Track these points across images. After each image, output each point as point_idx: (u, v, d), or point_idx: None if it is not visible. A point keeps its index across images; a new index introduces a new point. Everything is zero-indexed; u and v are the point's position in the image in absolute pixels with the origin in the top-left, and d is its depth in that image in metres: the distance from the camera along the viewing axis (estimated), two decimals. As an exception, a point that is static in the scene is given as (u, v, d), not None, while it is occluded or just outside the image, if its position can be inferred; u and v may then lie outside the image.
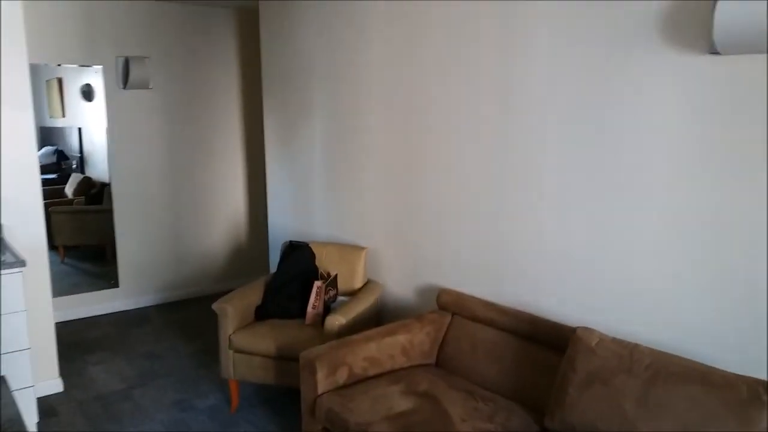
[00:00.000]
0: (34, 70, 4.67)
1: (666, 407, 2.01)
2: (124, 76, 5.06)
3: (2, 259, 2.99)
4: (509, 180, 2.92)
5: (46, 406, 3.55)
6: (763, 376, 2.01)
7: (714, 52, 2.08)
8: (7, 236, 3.44)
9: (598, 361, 2.22)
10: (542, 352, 2.61)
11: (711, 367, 2.06)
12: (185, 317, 5.14)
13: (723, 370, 2.03)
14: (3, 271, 2.89)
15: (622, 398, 2.11)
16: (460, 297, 3.08)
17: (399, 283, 3.66)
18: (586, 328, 2.36)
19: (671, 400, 2.01)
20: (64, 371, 3.96)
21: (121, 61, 5.04)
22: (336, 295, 3.64)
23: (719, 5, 1.94)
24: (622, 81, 2.41)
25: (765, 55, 2.00)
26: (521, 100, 2.81)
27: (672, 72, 2.25)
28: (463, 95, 3.09)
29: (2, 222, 3.43)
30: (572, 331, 2.40)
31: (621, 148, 2.44)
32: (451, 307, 3.10)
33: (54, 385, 3.74)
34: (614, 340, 2.27)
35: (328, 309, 3.52)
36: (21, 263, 2.95)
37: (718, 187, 2.17)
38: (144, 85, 5.14)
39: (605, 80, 2.47)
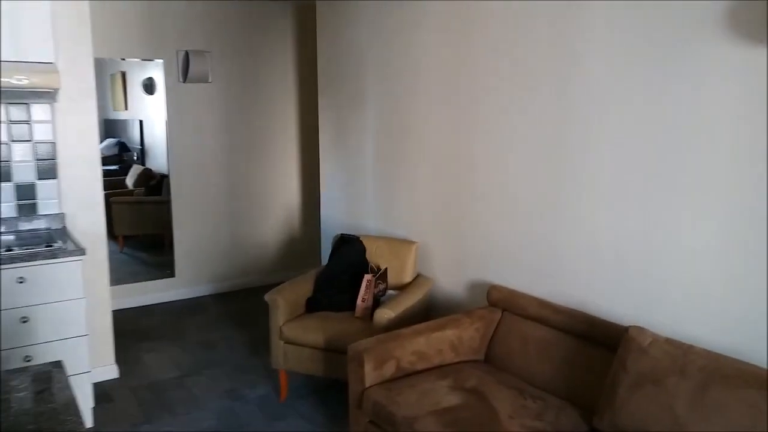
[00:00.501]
0: (99, 64, 4.83)
1: (720, 410, 1.93)
2: (184, 70, 5.18)
3: (64, 246, 3.10)
4: (563, 176, 2.85)
5: (101, 391, 3.67)
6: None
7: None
8: (69, 225, 3.57)
9: (649, 362, 2.15)
10: (594, 352, 2.55)
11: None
12: (238, 307, 5.24)
13: (784, 375, 1.93)
14: (64, 259, 3.00)
15: (673, 400, 2.03)
16: (511, 294, 3.03)
17: (449, 278, 3.62)
18: (638, 328, 2.28)
19: (726, 403, 1.93)
20: (120, 358, 4.08)
21: (181, 55, 5.16)
22: (386, 288, 3.63)
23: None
24: (682, 75, 2.32)
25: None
26: (577, 96, 2.74)
27: (734, 66, 2.15)
28: (518, 91, 3.03)
29: (64, 211, 3.56)
30: (624, 330, 2.33)
31: (680, 145, 2.35)
32: (501, 304, 3.05)
33: (110, 371, 3.87)
34: (668, 341, 2.19)
35: (377, 302, 3.51)
36: (81, 251, 3.05)
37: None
38: (203, 79, 5.25)
39: (665, 74, 2.37)
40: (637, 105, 2.49)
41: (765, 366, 2.06)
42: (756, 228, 2.14)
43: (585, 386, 2.51)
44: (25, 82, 2.99)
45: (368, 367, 2.66)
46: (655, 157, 2.45)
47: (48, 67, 3.08)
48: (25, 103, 3.39)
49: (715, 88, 2.22)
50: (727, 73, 2.18)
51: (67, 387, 1.61)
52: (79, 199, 3.60)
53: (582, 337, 2.63)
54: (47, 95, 3.27)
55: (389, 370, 2.72)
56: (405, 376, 2.75)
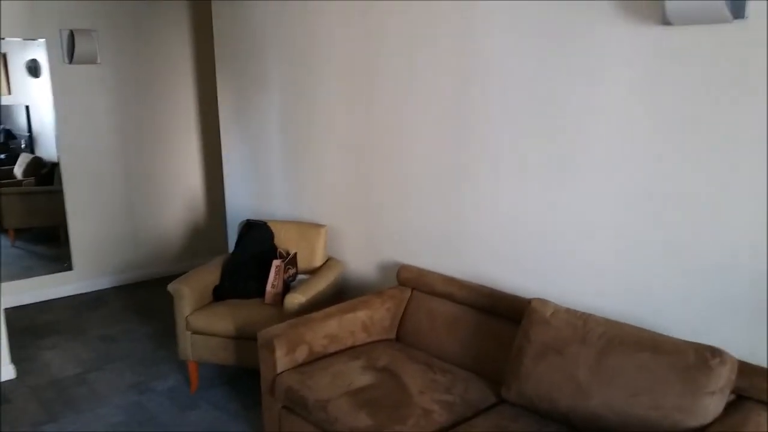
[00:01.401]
0: (-26, 46, 4.47)
1: (618, 374, 2.05)
2: (70, 51, 4.87)
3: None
4: (466, 154, 2.91)
5: (-3, 393, 3.46)
6: (711, 342, 2.05)
7: (667, 22, 2.09)
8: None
9: (552, 332, 2.25)
10: (500, 325, 2.64)
11: (662, 335, 2.11)
12: (142, 299, 5.05)
13: (673, 338, 2.08)
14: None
15: (575, 367, 2.14)
16: (420, 272, 3.08)
17: (360, 260, 3.64)
18: (540, 300, 2.38)
19: (623, 367, 2.05)
20: (17, 357, 3.85)
21: (65, 34, 4.84)
22: (296, 273, 3.60)
23: (670, -25, 1.94)
24: (576, 52, 2.41)
25: (715, 26, 2.01)
26: (478, 73, 2.80)
27: (626, 43, 2.26)
28: (420, 69, 3.06)
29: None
30: (527, 302, 2.42)
31: (576, 120, 2.45)
32: (411, 283, 3.10)
33: (5, 371, 3.64)
34: (568, 311, 2.29)
35: (287, 288, 3.48)
36: (-37, 247, 2.83)
37: (670, 159, 2.19)
38: (91, 60, 4.96)
39: (560, 52, 2.47)
40: (536, 84, 2.57)
41: (657, 330, 2.21)
42: (645, 198, 2.28)
43: (491, 358, 2.60)
44: None
45: (279, 353, 2.64)
46: (553, 135, 2.54)
47: None
48: None
49: (610, 68, 2.32)
50: (621, 53, 2.28)
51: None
52: (-41, 192, 3.34)
53: (487, 311, 2.72)
54: None
55: (301, 354, 2.71)
56: (317, 359, 2.75)
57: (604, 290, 2.45)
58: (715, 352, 1.93)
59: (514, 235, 2.76)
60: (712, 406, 1.91)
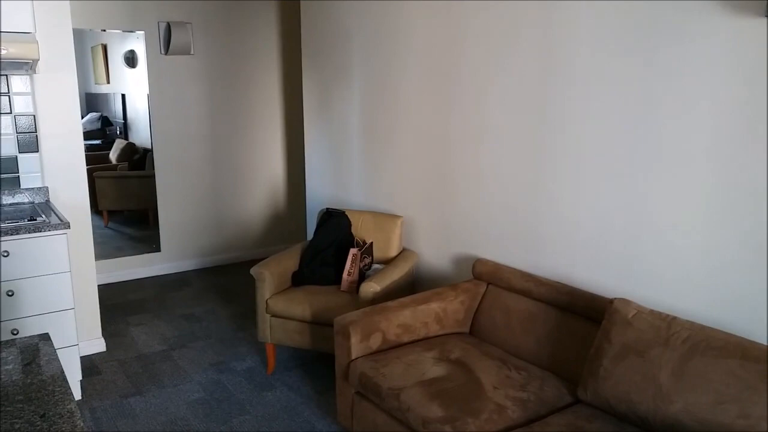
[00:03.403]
0: (79, 36, 4.74)
1: (702, 380, 1.97)
2: (166, 42, 5.10)
3: (49, 220, 3.08)
4: (546, 151, 2.85)
5: (89, 364, 3.68)
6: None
7: (770, 14, 1.98)
8: (52, 199, 3.53)
9: (634, 333, 2.18)
10: (578, 323, 2.58)
11: (751, 341, 2.01)
12: (224, 281, 5.24)
13: (763, 344, 1.98)
14: (48, 233, 2.98)
15: (657, 370, 2.07)
16: (496, 267, 3.06)
17: (434, 252, 3.64)
18: (623, 300, 2.31)
19: (708, 373, 1.97)
20: (107, 332, 4.09)
21: (162, 26, 5.08)
22: (371, 262, 3.65)
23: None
24: (671, 45, 2.32)
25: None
26: (562, 66, 2.73)
27: (725, 35, 2.15)
28: (502, 63, 3.02)
29: (47, 185, 3.52)
30: (609, 302, 2.36)
31: (666, 116, 2.36)
32: (486, 277, 3.08)
33: (97, 344, 3.87)
34: (652, 312, 2.22)
35: (363, 276, 3.53)
36: (65, 225, 3.03)
37: (765, 158, 2.07)
38: (185, 51, 5.18)
39: (653, 44, 2.37)
40: (619, 81, 2.49)
41: (745, 336, 2.10)
42: (738, 198, 2.17)
43: (567, 357, 2.55)
44: (3, 52, 2.93)
45: (354, 340, 2.69)
46: (636, 132, 2.46)
47: (26, 37, 3.01)
48: (4, 74, 3.33)
49: (707, 63, 2.22)
50: (716, 46, 2.18)
51: (54, 359, 1.61)
52: (62, 173, 3.56)
53: (565, 309, 2.67)
54: (26, 66, 3.20)
55: (375, 342, 2.75)
56: (391, 348, 2.78)
57: (690, 292, 2.35)
58: (810, 363, 1.83)
59: (596, 232, 2.69)
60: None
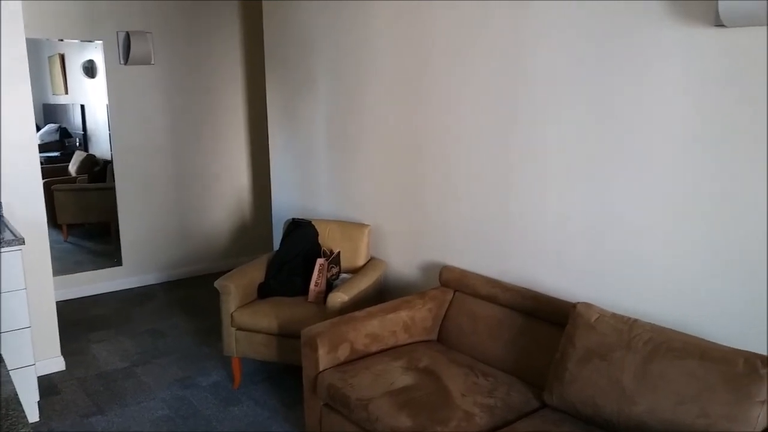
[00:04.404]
0: (36, 46, 4.63)
1: (664, 381, 2.00)
2: (125, 52, 5.02)
3: (1, 237, 2.98)
4: (512, 156, 2.89)
5: (47, 384, 3.58)
6: (761, 351, 1.99)
7: (719, 24, 2.04)
8: (7, 214, 3.43)
9: (597, 337, 2.21)
10: (543, 328, 2.61)
11: (710, 342, 2.06)
12: (188, 295, 5.16)
13: (722, 345, 2.03)
14: (2, 249, 2.89)
15: (620, 373, 2.10)
16: (462, 274, 3.07)
17: (402, 260, 3.64)
18: (585, 304, 2.34)
19: (669, 374, 2.00)
20: (67, 350, 3.98)
21: (122, 35, 4.99)
22: (339, 272, 3.63)
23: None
24: (628, 54, 2.37)
25: (771, 26, 1.95)
26: (526, 75, 2.77)
27: (678, 45, 2.21)
28: (467, 70, 3.05)
29: (1, 200, 3.42)
30: (572, 306, 2.39)
31: (625, 123, 2.41)
32: (453, 284, 3.09)
33: (56, 363, 3.76)
34: (614, 316, 2.25)
35: (330, 286, 3.51)
36: (20, 241, 2.94)
37: (723, 163, 2.14)
38: (146, 61, 5.09)
39: (611, 53, 2.42)
40: (584, 85, 2.54)
41: (704, 337, 2.15)
42: (696, 202, 2.22)
43: (534, 362, 2.57)
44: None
45: (322, 351, 2.66)
46: (598, 137, 2.50)
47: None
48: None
49: (657, 69, 2.28)
50: (669, 54, 2.24)
51: (8, 381, 1.55)
52: (17, 187, 3.46)
53: (530, 314, 2.69)
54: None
55: (343, 353, 2.73)
56: (359, 358, 2.76)
57: (651, 295, 2.39)
58: (765, 361, 1.88)
59: (559, 238, 2.72)
60: (762, 415, 1.85)
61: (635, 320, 2.20)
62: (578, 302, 2.37)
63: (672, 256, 2.31)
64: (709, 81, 2.13)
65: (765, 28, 1.96)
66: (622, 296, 2.49)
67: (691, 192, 2.23)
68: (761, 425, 1.86)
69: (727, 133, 2.11)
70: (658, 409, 1.99)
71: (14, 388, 1.52)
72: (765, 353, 1.93)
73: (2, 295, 2.92)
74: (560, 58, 2.61)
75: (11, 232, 3.07)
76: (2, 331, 2.95)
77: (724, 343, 2.08)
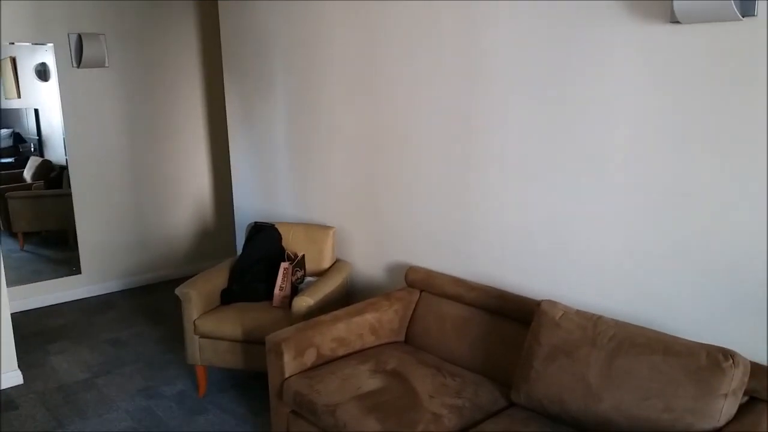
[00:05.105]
0: (-18, 51, 4.48)
1: (629, 377, 2.02)
2: (78, 55, 4.88)
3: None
4: (473, 155, 2.89)
5: (5, 399, 3.46)
6: (723, 344, 2.02)
7: (675, 21, 2.07)
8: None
9: (562, 334, 2.22)
10: (509, 327, 2.61)
11: (673, 336, 2.08)
12: (151, 302, 5.05)
13: (685, 339, 2.05)
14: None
15: (586, 370, 2.11)
16: (428, 274, 3.06)
17: (367, 262, 3.62)
18: (550, 302, 2.35)
19: (634, 369, 2.02)
20: (24, 363, 3.86)
21: (73, 38, 4.85)
22: (304, 275, 3.59)
23: (678, -27, 1.92)
24: (583, 52, 2.39)
25: (723, 24, 1.98)
26: (481, 72, 2.78)
27: (634, 41, 2.24)
28: (426, 71, 3.04)
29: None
30: (537, 304, 2.40)
31: (582, 120, 2.43)
32: (419, 284, 3.08)
33: (13, 377, 3.64)
34: (578, 313, 2.27)
35: (296, 290, 3.47)
36: (-29, 252, 2.83)
37: (679, 158, 2.17)
38: (99, 64, 4.96)
39: (567, 51, 2.44)
40: (541, 83, 2.55)
41: (667, 331, 2.18)
42: (655, 197, 2.25)
43: (501, 361, 2.57)
44: None
45: (287, 357, 2.62)
46: (556, 135, 2.52)
47: None
48: None
49: (616, 67, 2.30)
50: (628, 52, 2.26)
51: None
52: (-33, 197, 3.34)
53: (496, 312, 2.70)
54: None
55: (309, 358, 2.70)
56: (326, 363, 2.74)
57: (614, 291, 2.42)
58: (727, 354, 1.91)
59: (522, 235, 2.74)
60: (725, 408, 1.88)
61: (599, 317, 2.22)
62: (543, 300, 2.38)
63: (632, 252, 2.34)
64: (664, 77, 2.16)
65: (719, 24, 1.99)
66: (586, 293, 2.51)
67: (650, 187, 2.25)
68: (725, 418, 1.88)
69: (682, 131, 2.14)
70: (623, 404, 2.01)
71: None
72: (727, 346, 1.96)
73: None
74: (515, 57, 2.62)
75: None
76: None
77: (687, 337, 2.11)
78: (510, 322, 2.62)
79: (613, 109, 2.33)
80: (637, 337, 2.08)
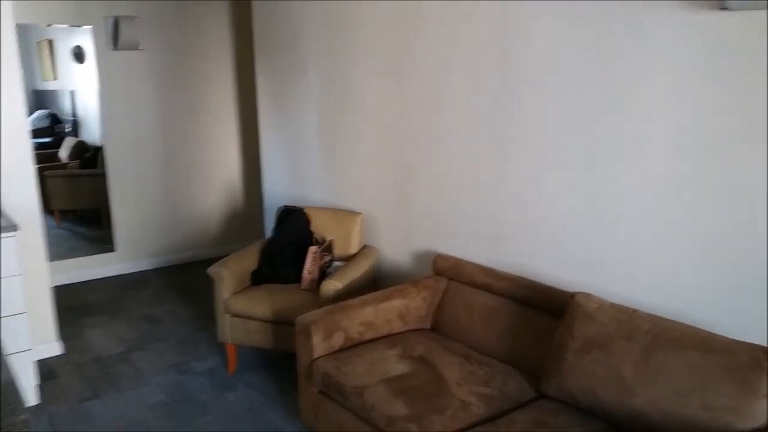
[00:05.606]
0: (24, 31, 4.57)
1: (664, 372, 1.99)
2: (114, 37, 4.94)
3: (-6, 223, 2.96)
4: (507, 143, 2.86)
5: (45, 368, 3.57)
6: (763, 342, 1.99)
7: (724, 8, 2.01)
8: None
9: (596, 327, 2.20)
10: (539, 317, 2.60)
11: (711, 333, 2.04)
12: (182, 281, 5.14)
13: (723, 336, 2.01)
14: (-3, 236, 2.87)
15: (620, 364, 2.09)
16: (456, 262, 3.06)
17: (395, 248, 3.63)
18: (584, 294, 2.33)
19: (670, 365, 1.99)
20: (63, 334, 3.97)
21: (110, 20, 4.91)
22: (331, 260, 3.62)
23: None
24: (626, 38, 2.33)
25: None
26: (522, 60, 2.73)
27: (680, 29, 2.16)
28: (462, 56, 3.01)
29: (-6, 186, 3.39)
30: (570, 296, 2.37)
31: (623, 110, 2.38)
32: (447, 272, 3.08)
33: (53, 347, 3.76)
34: (613, 306, 2.24)
35: (323, 274, 3.50)
36: (13, 228, 2.91)
37: (725, 150, 2.11)
38: (134, 46, 5.02)
39: (611, 38, 2.38)
40: (579, 73, 2.50)
41: (706, 328, 2.13)
42: (696, 189, 2.19)
43: (530, 352, 2.56)
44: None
45: (316, 339, 2.66)
46: (596, 125, 2.47)
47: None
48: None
49: (658, 55, 2.24)
50: (674, 40, 2.20)
51: (5, 366, 1.55)
52: (9, 174, 3.42)
53: (526, 303, 2.68)
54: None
55: (337, 341, 2.73)
56: (353, 346, 2.76)
57: (650, 285, 2.37)
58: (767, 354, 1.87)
59: (556, 226, 2.71)
60: (767, 409, 1.85)
61: (635, 310, 2.19)
62: (577, 292, 2.36)
63: (669, 245, 2.29)
64: (712, 66, 2.09)
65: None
66: (621, 285, 2.46)
67: (692, 179, 2.20)
68: (766, 418, 1.84)
69: (730, 119, 2.08)
70: (658, 399, 1.98)
71: (12, 373, 1.51)
72: (766, 344, 1.92)
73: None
74: (554, 44, 2.57)
75: (5, 218, 3.05)
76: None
77: (724, 334, 2.06)
78: (540, 313, 2.61)
79: (657, 99, 2.26)
80: (673, 332, 2.05)
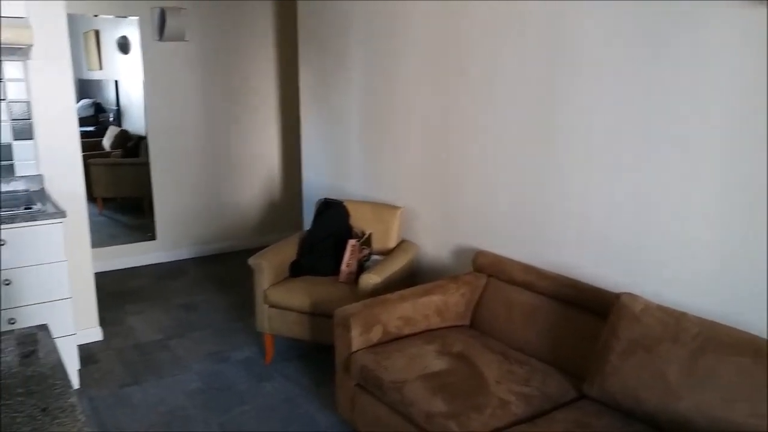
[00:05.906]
0: (71, 21, 4.67)
1: (713, 377, 1.95)
2: (160, 28, 5.01)
3: (43, 209, 3.03)
4: (553, 139, 2.82)
5: (87, 353, 3.65)
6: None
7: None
8: (48, 186, 3.48)
9: (642, 329, 2.16)
10: (581, 317, 2.56)
11: (763, 338, 1.98)
12: (221, 271, 5.20)
13: (775, 342, 1.95)
14: (44, 221, 2.93)
15: (666, 366, 2.05)
16: (497, 259, 3.03)
17: (434, 244, 3.61)
18: (630, 295, 2.29)
19: (719, 370, 1.95)
20: (104, 320, 4.05)
21: (156, 12, 4.98)
22: (370, 254, 3.62)
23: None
24: (681, 35, 2.27)
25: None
26: (570, 56, 2.69)
27: (733, 23, 2.10)
28: (508, 51, 2.98)
29: (42, 173, 3.47)
30: (616, 297, 2.33)
31: (675, 107, 2.32)
32: (487, 269, 3.05)
33: (94, 333, 3.84)
34: (660, 308, 2.20)
35: (362, 268, 3.50)
36: (61, 214, 2.98)
37: (779, 152, 2.05)
38: (180, 37, 5.08)
39: (663, 34, 2.33)
40: (629, 70, 2.45)
41: (756, 333, 2.07)
42: (749, 191, 2.13)
43: (570, 352, 2.52)
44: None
45: (355, 332, 2.66)
46: (646, 123, 2.42)
47: (19, 21, 2.94)
48: (-2, 60, 3.27)
49: (711, 50, 2.18)
50: (726, 32, 2.13)
51: (53, 351, 1.58)
52: (57, 161, 3.50)
53: (568, 302, 2.64)
54: (20, 52, 3.14)
55: (376, 334, 2.73)
56: (391, 340, 2.75)
57: (700, 288, 2.31)
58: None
59: (603, 225, 2.65)
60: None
61: (683, 313, 2.14)
62: (622, 292, 2.32)
63: (722, 247, 2.23)
64: (764, 62, 2.05)
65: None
66: (669, 288, 2.40)
67: (747, 179, 2.13)
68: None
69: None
70: (705, 405, 1.94)
71: (60, 358, 1.55)
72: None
73: (45, 266, 2.97)
74: (604, 40, 2.52)
75: (53, 204, 3.12)
76: (46, 301, 3.00)
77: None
78: (582, 313, 2.57)
79: (710, 96, 2.20)
80: (723, 337, 2.00)
